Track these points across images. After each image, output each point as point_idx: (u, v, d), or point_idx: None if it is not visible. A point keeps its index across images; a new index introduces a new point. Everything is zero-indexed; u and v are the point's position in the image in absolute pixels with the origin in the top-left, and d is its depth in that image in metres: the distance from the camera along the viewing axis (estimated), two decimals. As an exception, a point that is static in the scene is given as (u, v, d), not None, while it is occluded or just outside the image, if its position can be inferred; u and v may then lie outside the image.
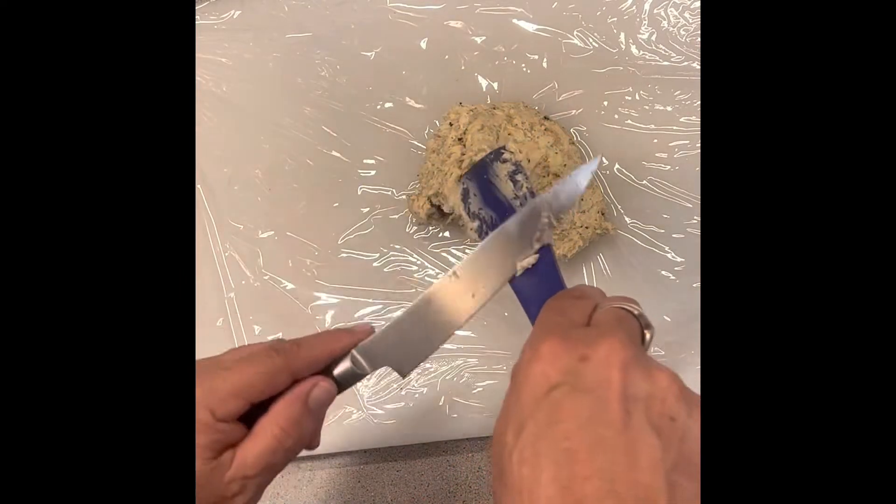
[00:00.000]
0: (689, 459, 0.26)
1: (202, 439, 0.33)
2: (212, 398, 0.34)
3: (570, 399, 0.27)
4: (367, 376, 0.39)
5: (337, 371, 0.38)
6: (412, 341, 0.38)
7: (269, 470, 0.35)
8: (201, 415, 0.33)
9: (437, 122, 0.56)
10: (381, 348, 0.38)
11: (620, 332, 0.29)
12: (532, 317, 0.38)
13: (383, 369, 0.39)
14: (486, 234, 0.40)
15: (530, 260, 0.38)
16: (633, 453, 0.25)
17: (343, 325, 0.39)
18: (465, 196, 0.45)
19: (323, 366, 0.38)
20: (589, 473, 0.25)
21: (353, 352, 0.38)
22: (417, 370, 0.54)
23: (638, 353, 0.28)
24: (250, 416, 0.35)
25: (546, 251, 0.39)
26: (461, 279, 0.39)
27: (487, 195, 0.43)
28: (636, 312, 0.32)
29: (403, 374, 0.39)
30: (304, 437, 0.37)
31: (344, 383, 0.38)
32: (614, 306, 0.32)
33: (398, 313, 0.39)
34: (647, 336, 0.32)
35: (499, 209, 0.42)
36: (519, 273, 0.38)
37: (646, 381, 0.27)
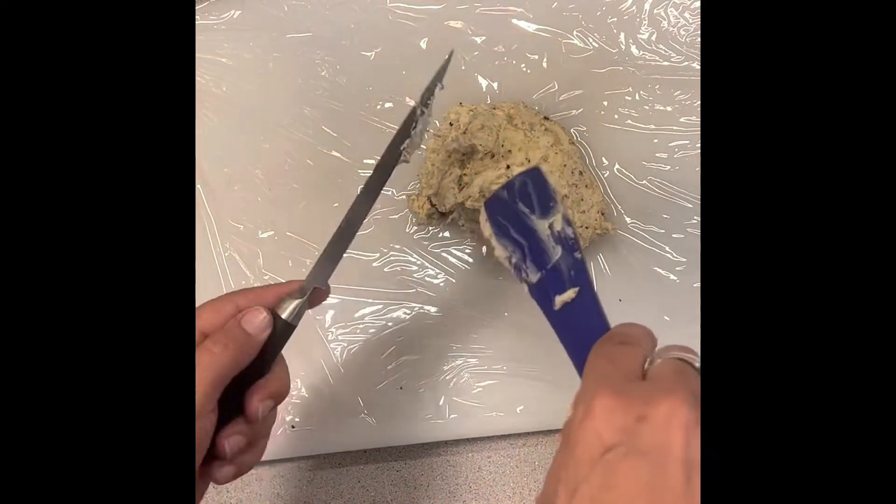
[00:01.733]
0: None
1: None
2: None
3: (627, 462, 0.26)
4: (305, 303, 0.41)
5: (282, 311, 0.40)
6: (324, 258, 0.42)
7: (216, 384, 0.36)
8: None
9: (436, 122, 0.56)
10: (317, 272, 0.42)
11: (681, 389, 0.27)
12: (571, 355, 0.37)
13: None
14: (517, 265, 0.39)
15: (570, 294, 0.37)
16: None
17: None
18: (494, 221, 0.41)
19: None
20: None
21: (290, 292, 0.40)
22: (417, 373, 0.54)
23: (699, 415, 0.26)
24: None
25: (586, 283, 0.37)
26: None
27: (516, 225, 0.40)
28: (697, 365, 0.30)
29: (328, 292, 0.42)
30: (243, 355, 0.37)
31: (291, 319, 0.40)
32: (673, 357, 0.30)
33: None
34: None
35: (530, 241, 0.39)
36: (558, 307, 0.37)
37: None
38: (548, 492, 0.28)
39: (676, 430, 0.26)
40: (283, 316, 0.40)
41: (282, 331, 0.40)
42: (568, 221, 0.39)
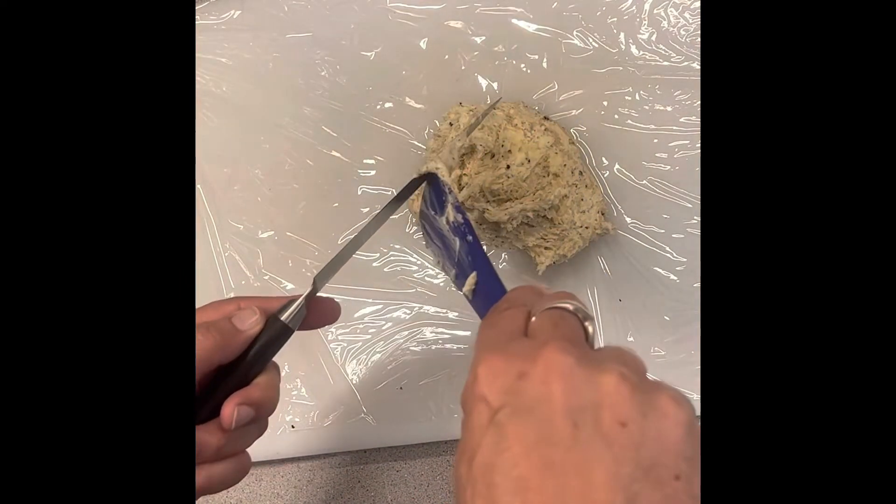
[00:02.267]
0: (649, 466, 0.24)
1: None
2: None
3: (514, 422, 0.26)
4: (303, 304, 0.40)
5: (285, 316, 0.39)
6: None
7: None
8: None
9: (437, 122, 0.56)
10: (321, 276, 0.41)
11: (557, 338, 0.27)
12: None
13: None
14: (449, 267, 0.40)
15: (471, 280, 0.37)
16: (585, 472, 0.24)
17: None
18: (427, 236, 0.44)
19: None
20: (542, 501, 0.24)
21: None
22: (417, 373, 0.54)
23: (580, 357, 0.26)
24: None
25: (483, 265, 0.37)
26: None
27: (432, 230, 0.42)
28: (572, 308, 0.30)
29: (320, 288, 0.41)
30: (227, 339, 0.37)
31: (292, 320, 0.39)
32: (547, 308, 0.30)
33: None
34: (590, 330, 0.30)
35: (443, 241, 0.41)
36: (470, 297, 0.37)
37: (590, 388, 0.25)
38: (454, 465, 0.28)
39: (555, 380, 0.26)
40: (282, 318, 0.39)
41: (277, 334, 0.39)
42: (458, 208, 0.39)
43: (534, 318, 0.30)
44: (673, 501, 0.24)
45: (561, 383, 0.26)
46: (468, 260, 0.38)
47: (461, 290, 0.39)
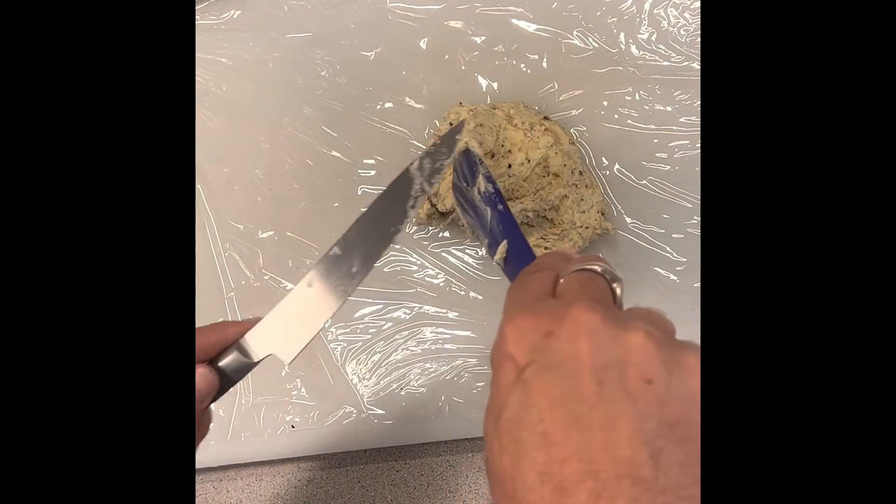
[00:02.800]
0: (674, 422, 0.24)
1: None
2: None
3: (540, 379, 0.26)
4: (254, 364, 0.39)
5: (224, 361, 0.38)
6: (295, 326, 0.39)
7: None
8: None
9: (437, 122, 0.56)
10: (265, 334, 0.38)
11: (584, 298, 0.28)
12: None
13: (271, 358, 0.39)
14: (482, 237, 0.41)
15: (502, 249, 0.38)
16: (609, 427, 0.24)
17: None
18: (461, 207, 0.45)
19: (211, 356, 0.38)
20: (566, 455, 0.24)
21: (240, 340, 0.38)
22: (417, 373, 0.54)
23: (606, 316, 0.26)
24: None
25: (514, 233, 0.38)
26: (342, 256, 0.39)
27: (465, 201, 0.43)
28: (599, 269, 0.30)
29: (287, 361, 0.39)
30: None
31: (232, 373, 0.38)
32: (575, 270, 0.30)
33: (283, 298, 0.39)
34: (618, 291, 0.30)
35: (476, 211, 0.42)
36: (502, 265, 0.38)
37: (616, 345, 0.26)
38: (484, 422, 0.28)
39: (582, 338, 0.26)
40: (221, 365, 0.38)
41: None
42: (488, 178, 0.40)
43: (562, 280, 0.31)
44: (696, 458, 0.24)
45: (587, 341, 0.26)
46: (499, 229, 0.39)
47: (494, 259, 0.39)
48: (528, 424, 0.25)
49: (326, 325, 0.39)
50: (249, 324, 0.39)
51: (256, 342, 0.38)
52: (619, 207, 0.55)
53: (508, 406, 0.26)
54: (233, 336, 0.38)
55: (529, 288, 0.31)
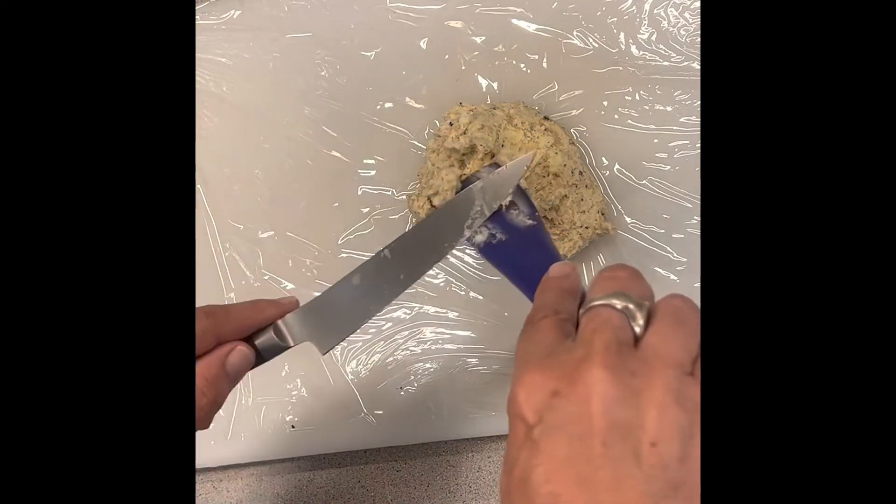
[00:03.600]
0: (678, 484, 0.25)
1: None
2: None
3: (547, 438, 0.26)
4: (289, 348, 0.39)
5: (259, 340, 0.39)
6: (335, 318, 0.39)
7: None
8: None
9: (437, 122, 0.56)
10: (304, 322, 0.39)
11: (596, 352, 0.27)
12: (513, 279, 0.41)
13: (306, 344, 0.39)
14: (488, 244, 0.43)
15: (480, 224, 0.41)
16: (616, 488, 0.25)
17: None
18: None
19: (248, 333, 0.39)
20: None
21: (278, 322, 0.39)
22: (417, 373, 0.54)
23: (619, 377, 0.26)
24: None
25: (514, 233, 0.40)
26: (391, 260, 0.39)
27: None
28: (619, 306, 0.29)
29: (323, 351, 0.39)
30: (220, 398, 0.37)
31: (266, 353, 0.39)
32: (595, 305, 0.30)
33: (326, 289, 0.39)
34: (637, 330, 0.29)
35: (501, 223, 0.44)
36: (477, 238, 0.41)
37: (627, 408, 0.26)
38: (500, 474, 0.29)
39: (592, 400, 0.26)
40: (257, 343, 0.38)
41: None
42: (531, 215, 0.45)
43: (581, 316, 0.30)
44: None
45: (598, 404, 0.26)
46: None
47: (486, 253, 0.43)
48: (536, 483, 0.26)
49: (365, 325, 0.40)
50: (286, 306, 0.39)
51: (294, 328, 0.39)
52: (619, 207, 0.55)
53: (519, 463, 0.27)
54: (270, 317, 0.39)
55: (536, 339, 0.31)
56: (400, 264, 0.39)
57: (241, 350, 0.37)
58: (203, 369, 0.36)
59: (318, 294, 0.40)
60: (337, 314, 0.39)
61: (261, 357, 0.39)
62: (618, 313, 0.29)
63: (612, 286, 0.30)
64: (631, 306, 0.29)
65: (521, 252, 0.43)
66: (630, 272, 0.31)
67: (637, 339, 0.29)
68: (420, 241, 0.39)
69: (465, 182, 0.49)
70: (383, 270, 0.39)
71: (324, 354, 0.39)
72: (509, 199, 0.44)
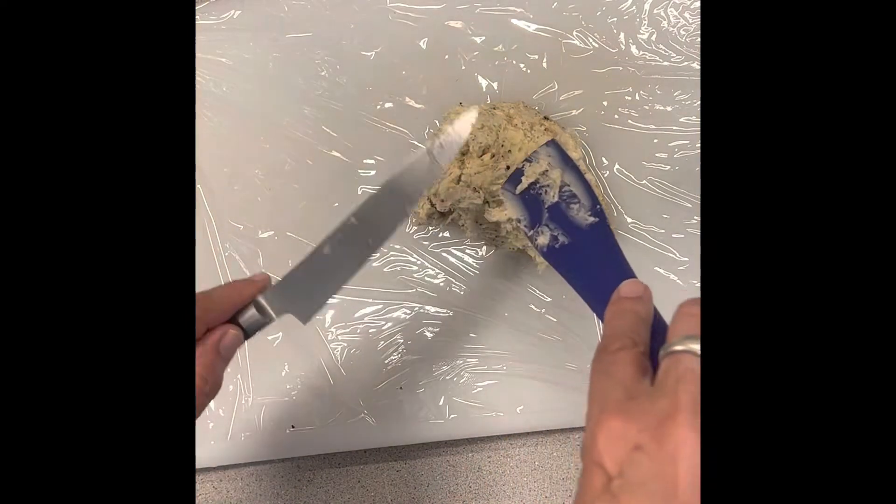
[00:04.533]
0: None
1: None
2: None
3: (628, 495, 0.26)
4: (272, 322, 0.41)
5: (243, 318, 0.40)
6: (312, 288, 0.41)
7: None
8: None
9: (437, 122, 0.56)
10: (282, 295, 0.41)
11: (683, 405, 0.26)
12: (578, 289, 0.42)
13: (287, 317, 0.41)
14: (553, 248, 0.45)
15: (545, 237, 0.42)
16: None
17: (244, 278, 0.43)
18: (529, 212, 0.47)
19: (231, 314, 0.40)
20: None
21: (258, 298, 0.40)
22: (417, 373, 0.54)
23: (697, 421, 0.26)
24: None
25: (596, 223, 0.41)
26: (358, 226, 0.41)
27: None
28: (699, 351, 0.28)
29: (304, 321, 0.41)
30: (218, 381, 0.39)
31: (250, 329, 0.41)
32: (675, 351, 0.29)
33: (299, 262, 0.41)
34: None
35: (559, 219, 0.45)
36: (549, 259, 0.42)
37: None
38: None
39: (676, 460, 0.25)
40: (241, 322, 0.40)
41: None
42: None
43: (661, 361, 0.29)
44: None
45: (684, 467, 0.25)
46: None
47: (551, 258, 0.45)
48: None
49: (340, 290, 0.42)
50: (260, 282, 0.41)
51: (273, 302, 0.41)
52: (619, 207, 0.55)
53: None
54: (248, 296, 0.41)
55: (615, 375, 0.30)
56: (366, 229, 0.41)
57: (232, 333, 0.39)
58: (201, 357, 0.38)
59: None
60: (313, 284, 0.41)
61: (246, 334, 0.40)
62: (696, 359, 0.28)
63: (693, 326, 0.29)
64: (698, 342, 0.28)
65: (587, 260, 0.42)
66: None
67: None
68: (382, 204, 0.41)
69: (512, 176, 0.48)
70: (351, 237, 0.41)
71: (305, 324, 0.41)
72: (569, 188, 0.44)
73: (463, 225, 0.54)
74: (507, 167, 0.49)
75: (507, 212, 0.47)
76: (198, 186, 0.56)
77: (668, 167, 0.55)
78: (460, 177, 0.50)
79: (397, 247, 0.55)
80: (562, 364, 0.53)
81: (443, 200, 0.51)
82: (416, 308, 0.55)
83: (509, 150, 0.50)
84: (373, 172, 0.56)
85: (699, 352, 0.28)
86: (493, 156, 0.50)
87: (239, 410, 0.55)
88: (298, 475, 0.55)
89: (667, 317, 0.32)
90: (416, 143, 0.56)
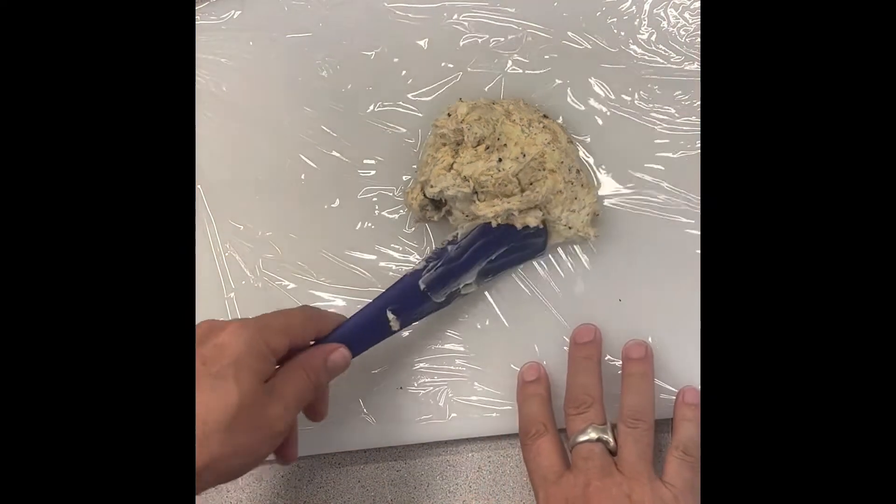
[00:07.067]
0: None
1: (259, 365, 0.37)
2: (266, 332, 0.39)
3: None
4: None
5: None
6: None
7: (300, 403, 0.41)
8: (259, 346, 0.38)
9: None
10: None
11: (593, 476, 0.42)
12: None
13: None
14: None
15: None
16: None
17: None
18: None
19: (311, 341, 0.44)
20: None
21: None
22: (416, 373, 0.54)
23: (613, 488, 0.40)
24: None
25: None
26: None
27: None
28: (595, 437, 0.43)
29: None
30: (320, 391, 0.43)
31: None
32: (579, 443, 0.44)
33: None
34: (612, 445, 0.45)
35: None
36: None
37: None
38: None
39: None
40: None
41: None
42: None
43: (570, 448, 0.44)
44: None
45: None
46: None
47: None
48: None
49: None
50: (336, 322, 0.46)
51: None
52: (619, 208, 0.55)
53: None
54: (327, 331, 0.45)
55: (543, 464, 0.44)
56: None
57: (343, 353, 0.44)
58: (308, 358, 0.42)
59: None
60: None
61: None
62: (596, 444, 0.43)
63: (579, 421, 0.44)
64: (604, 436, 0.43)
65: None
66: (595, 409, 0.44)
67: (613, 452, 0.43)
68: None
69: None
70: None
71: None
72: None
73: (454, 219, 0.54)
74: (499, 160, 0.49)
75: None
76: (198, 186, 0.56)
77: (668, 167, 0.55)
78: (452, 165, 0.51)
79: (397, 247, 0.56)
80: (562, 364, 0.53)
81: (432, 186, 0.50)
82: (416, 308, 0.55)
83: (505, 144, 0.51)
84: (373, 172, 0.56)
85: (594, 437, 0.43)
86: (487, 147, 0.50)
87: (239, 410, 0.55)
88: (298, 475, 0.55)
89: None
90: (415, 143, 0.56)
